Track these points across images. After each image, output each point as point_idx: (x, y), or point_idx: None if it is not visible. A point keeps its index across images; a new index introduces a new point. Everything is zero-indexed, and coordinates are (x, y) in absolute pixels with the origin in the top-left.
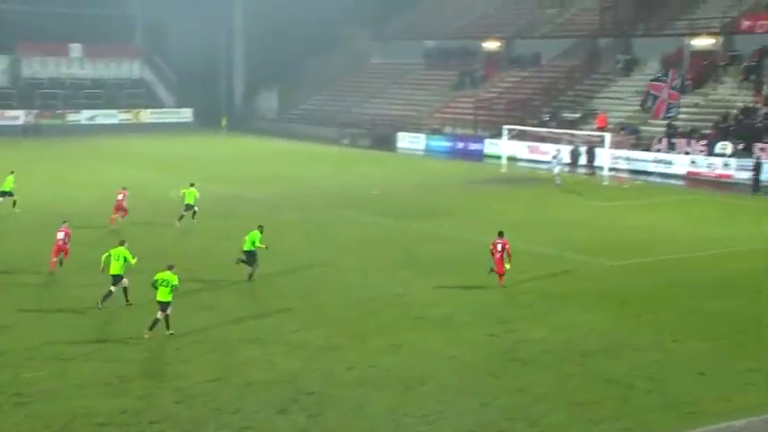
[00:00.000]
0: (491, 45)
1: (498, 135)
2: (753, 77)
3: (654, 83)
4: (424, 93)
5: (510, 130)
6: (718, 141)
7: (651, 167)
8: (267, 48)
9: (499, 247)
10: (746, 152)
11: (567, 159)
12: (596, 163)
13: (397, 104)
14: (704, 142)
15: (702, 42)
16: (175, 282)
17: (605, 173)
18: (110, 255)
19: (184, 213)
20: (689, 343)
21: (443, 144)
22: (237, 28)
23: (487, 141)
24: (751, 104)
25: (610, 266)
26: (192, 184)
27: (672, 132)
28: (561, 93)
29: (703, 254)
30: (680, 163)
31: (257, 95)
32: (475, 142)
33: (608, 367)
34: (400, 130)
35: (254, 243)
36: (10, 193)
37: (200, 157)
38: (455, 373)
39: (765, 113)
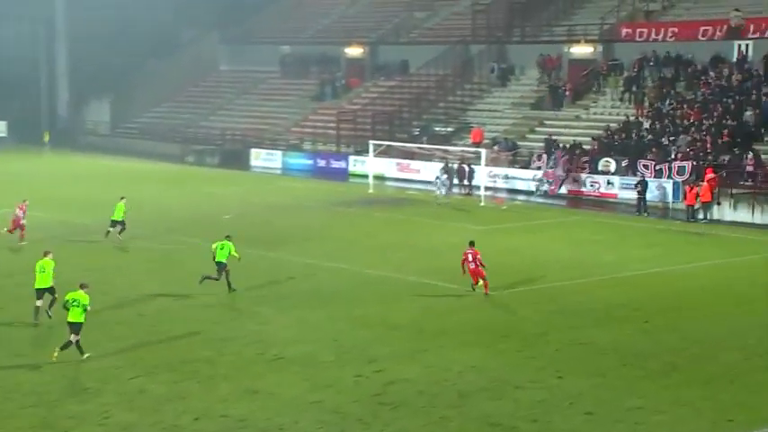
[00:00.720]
0: (353, 51)
1: (364, 151)
2: (634, 89)
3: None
4: (281, 104)
5: (377, 146)
6: (600, 158)
7: (532, 186)
8: (97, 52)
9: (470, 257)
10: (631, 169)
11: (445, 178)
12: (473, 182)
13: (249, 117)
14: (586, 159)
15: (581, 50)
16: (86, 302)
17: (482, 193)
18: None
19: (110, 229)
20: (574, 379)
21: (303, 162)
22: (60, 30)
23: (352, 159)
24: (633, 118)
25: (489, 296)
26: (121, 198)
27: (552, 148)
28: (432, 104)
29: (587, 280)
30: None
31: (86, 107)
32: (338, 160)
33: (489, 409)
34: (254, 147)
35: (229, 252)
36: (122, 222)
37: (16, 176)
38: (319, 421)
39: (648, 128)
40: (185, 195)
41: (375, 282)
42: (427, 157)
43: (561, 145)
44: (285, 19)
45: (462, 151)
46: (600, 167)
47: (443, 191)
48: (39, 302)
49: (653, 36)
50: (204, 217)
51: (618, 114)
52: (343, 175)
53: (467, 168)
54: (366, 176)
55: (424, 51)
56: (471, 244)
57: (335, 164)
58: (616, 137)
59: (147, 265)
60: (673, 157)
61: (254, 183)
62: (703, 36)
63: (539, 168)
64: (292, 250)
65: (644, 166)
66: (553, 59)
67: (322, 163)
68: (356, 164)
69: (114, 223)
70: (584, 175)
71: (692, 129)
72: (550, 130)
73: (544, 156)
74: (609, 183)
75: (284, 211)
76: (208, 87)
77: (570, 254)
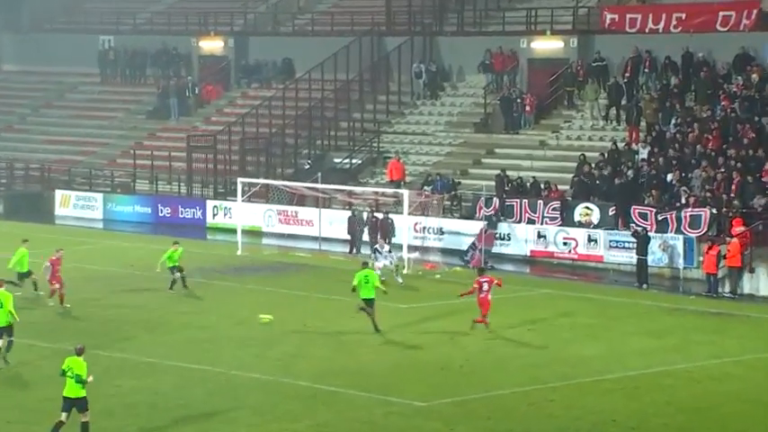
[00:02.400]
0: (210, 45)
1: (230, 194)
2: (623, 102)
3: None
4: (101, 123)
5: (248, 187)
6: (578, 203)
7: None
8: None
9: (486, 286)
10: (622, 220)
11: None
12: (392, 239)
13: (53, 143)
14: (555, 204)
15: (547, 45)
16: (81, 371)
17: (405, 254)
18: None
19: (174, 276)
20: None
21: (136, 210)
22: None
23: (211, 205)
24: (623, 144)
25: (418, 409)
26: (175, 242)
27: (505, 190)
28: (330, 124)
29: (560, 385)
30: (519, 237)
31: None
32: (190, 206)
33: None
34: (60, 188)
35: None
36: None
37: None
38: None
39: (645, 159)
40: None
41: (248, 390)
42: (324, 202)
43: (517, 184)
44: None
45: (376, 194)
46: (577, 217)
47: (389, 260)
48: None
49: (650, 25)
50: None
51: (601, 139)
52: (199, 229)
53: (382, 219)
54: (233, 231)
55: (316, 46)
56: (482, 271)
57: (186, 213)
58: (598, 172)
59: None
60: (683, 202)
61: (60, 242)
62: (723, 26)
63: (489, 219)
64: (122, 346)
65: (640, 214)
66: (506, 59)
67: (165, 211)
68: (218, 212)
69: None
70: (553, 229)
71: (710, 160)
72: (503, 162)
73: (495, 200)
74: (590, 240)
75: (109, 287)
76: None
77: (536, 345)
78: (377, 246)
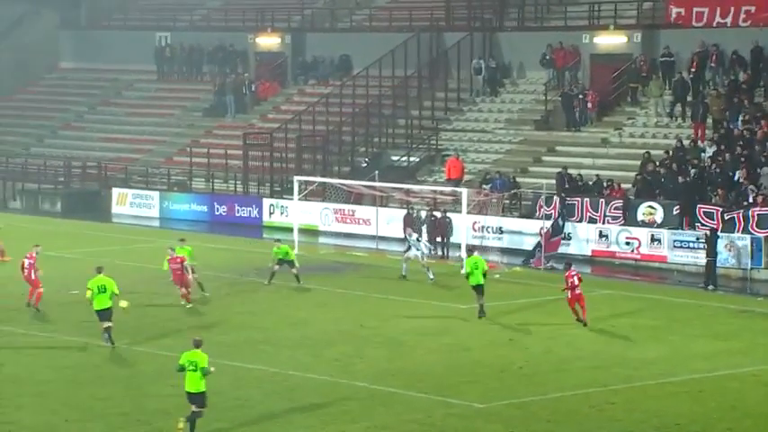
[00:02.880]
0: (267, 41)
1: (286, 193)
2: (689, 98)
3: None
4: (157, 121)
5: (305, 185)
6: (641, 202)
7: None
8: None
9: (576, 280)
10: (687, 219)
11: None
12: (450, 238)
13: (109, 141)
14: (618, 203)
15: (610, 41)
16: (204, 364)
17: (463, 254)
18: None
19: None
20: None
21: (192, 208)
22: None
23: (268, 204)
24: (689, 142)
25: (478, 411)
26: (277, 240)
27: (566, 188)
28: (387, 122)
29: (623, 387)
30: (580, 237)
31: None
32: (246, 205)
33: None
34: (116, 186)
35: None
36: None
37: None
38: None
39: (711, 157)
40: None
41: (305, 391)
42: (381, 200)
43: (579, 183)
44: None
45: (434, 192)
46: (640, 217)
47: (423, 252)
48: (105, 324)
49: (718, 19)
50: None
51: (666, 137)
52: (255, 228)
53: (440, 218)
54: (289, 230)
55: (374, 43)
56: (570, 265)
57: (242, 211)
58: (663, 170)
59: None
60: (751, 200)
61: (116, 241)
62: None
63: (548, 218)
64: (180, 344)
65: (706, 214)
66: (568, 54)
67: (221, 210)
68: (274, 211)
69: (286, 262)
70: (615, 228)
71: None
72: (565, 160)
73: (556, 199)
74: (654, 239)
75: (165, 287)
76: (43, 95)
77: (597, 347)
78: (406, 235)
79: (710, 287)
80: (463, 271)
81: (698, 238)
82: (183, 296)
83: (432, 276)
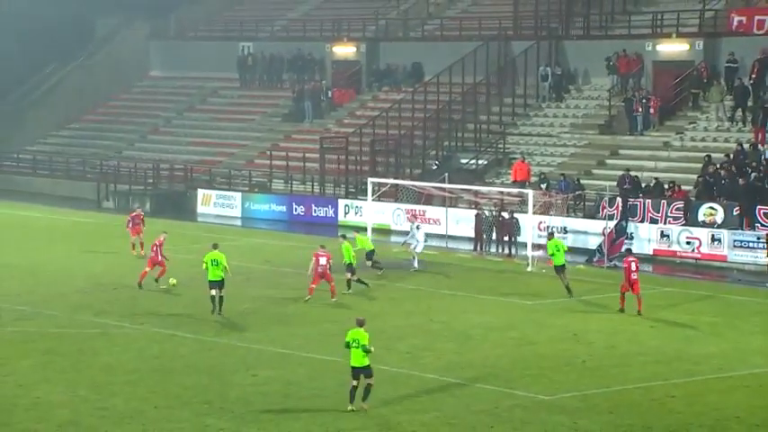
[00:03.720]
0: (343, 50)
1: (360, 194)
2: (750, 103)
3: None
4: (239, 126)
5: (378, 186)
6: (702, 204)
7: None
8: None
9: (633, 266)
10: (747, 220)
11: (422, 235)
12: (518, 237)
13: (195, 145)
14: (679, 204)
15: (672, 48)
16: (365, 341)
17: (529, 253)
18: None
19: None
20: None
21: (272, 208)
22: None
23: (343, 204)
24: (749, 146)
25: (542, 403)
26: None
27: (629, 190)
28: (457, 126)
29: (684, 381)
30: (642, 236)
31: None
32: (322, 205)
33: None
34: (201, 187)
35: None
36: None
37: None
38: None
39: None
40: (101, 258)
41: (377, 382)
42: (451, 201)
43: (643, 185)
44: (244, 4)
45: (501, 194)
46: (701, 217)
47: (417, 242)
48: (213, 292)
49: None
50: (130, 289)
51: (726, 140)
52: (331, 227)
53: (507, 218)
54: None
55: (445, 51)
56: (630, 251)
57: (318, 211)
58: (724, 173)
59: (40, 359)
60: None
61: (202, 239)
62: None
63: (611, 218)
64: (260, 337)
65: (765, 215)
66: (631, 61)
67: (299, 210)
68: (349, 211)
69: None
70: (676, 228)
71: None
72: (628, 162)
73: (618, 200)
74: (714, 239)
75: (245, 282)
76: (134, 102)
77: (659, 342)
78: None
79: None
80: (539, 254)
81: (758, 238)
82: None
83: (416, 266)
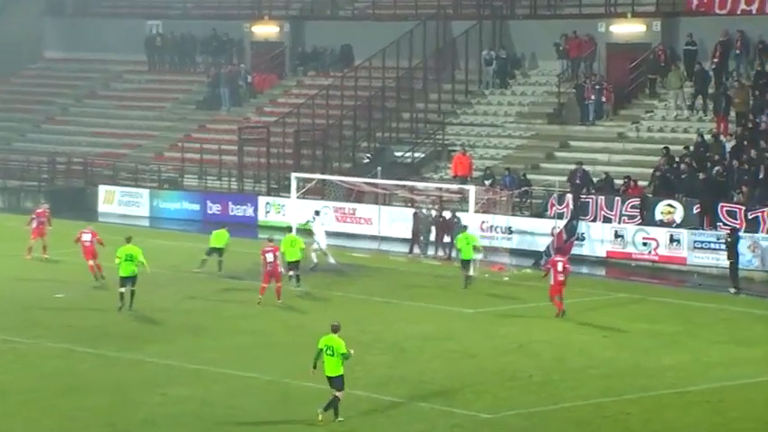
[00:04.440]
0: (264, 30)
1: (283, 191)
2: (711, 90)
3: None
4: (147, 114)
5: (303, 182)
6: (659, 201)
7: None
8: None
9: (560, 266)
10: (708, 219)
11: (322, 226)
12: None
13: (96, 136)
14: (635, 202)
15: (627, 29)
16: (342, 349)
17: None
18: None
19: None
20: None
21: (184, 207)
22: None
23: (264, 202)
24: (710, 137)
25: (485, 422)
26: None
27: (580, 185)
28: (391, 115)
29: (639, 396)
30: (594, 237)
31: None
32: (241, 203)
33: None
34: (103, 183)
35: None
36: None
37: None
38: None
39: (736, 151)
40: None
41: (302, 400)
42: (384, 199)
43: (595, 180)
44: None
45: (440, 190)
46: (658, 216)
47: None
48: (123, 289)
49: (742, 6)
50: (21, 299)
51: (686, 131)
52: (250, 227)
53: (447, 218)
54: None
55: (378, 32)
56: (559, 250)
57: (237, 210)
58: (684, 166)
59: None
60: None
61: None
62: None
63: (561, 217)
64: (169, 351)
65: (728, 213)
66: (582, 44)
67: (215, 208)
68: (270, 210)
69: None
70: (632, 228)
71: None
72: (579, 156)
73: (569, 197)
74: (673, 240)
75: (155, 289)
76: (26, 87)
77: (612, 354)
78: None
79: (732, 291)
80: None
81: (719, 239)
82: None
83: (332, 261)
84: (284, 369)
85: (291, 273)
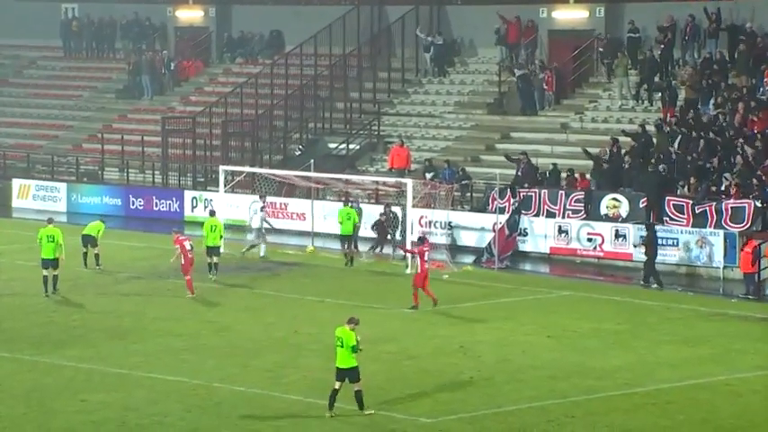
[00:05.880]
0: (188, 15)
1: (210, 183)
2: (657, 78)
3: None
4: (63, 103)
5: (231, 176)
6: (604, 195)
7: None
8: None
9: (426, 255)
10: (654, 213)
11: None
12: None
13: (9, 125)
14: (579, 196)
15: (569, 15)
16: (351, 341)
17: (408, 252)
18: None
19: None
20: None
21: (105, 202)
22: None
23: (189, 196)
24: (657, 127)
25: (424, 427)
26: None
27: (522, 179)
28: (324, 105)
29: (583, 399)
30: (537, 233)
31: None
32: (165, 197)
33: None
34: (17, 176)
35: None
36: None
37: None
38: None
39: (684, 142)
40: None
41: (232, 405)
42: (317, 193)
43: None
44: None
45: (376, 183)
46: (603, 210)
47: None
48: (45, 272)
49: None
50: None
51: (631, 121)
52: (175, 223)
53: (387, 214)
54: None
55: (309, 16)
56: (421, 240)
57: (161, 205)
58: (628, 157)
59: None
60: (722, 189)
61: (18, 238)
62: None
63: (502, 211)
64: (89, 354)
65: (675, 207)
66: (523, 30)
67: (138, 203)
68: (197, 204)
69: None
70: (576, 223)
71: (757, 144)
72: (521, 147)
73: (509, 192)
74: (618, 235)
75: (73, 289)
76: None
77: (556, 354)
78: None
79: (654, 285)
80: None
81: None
82: None
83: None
84: (212, 373)
85: (209, 260)
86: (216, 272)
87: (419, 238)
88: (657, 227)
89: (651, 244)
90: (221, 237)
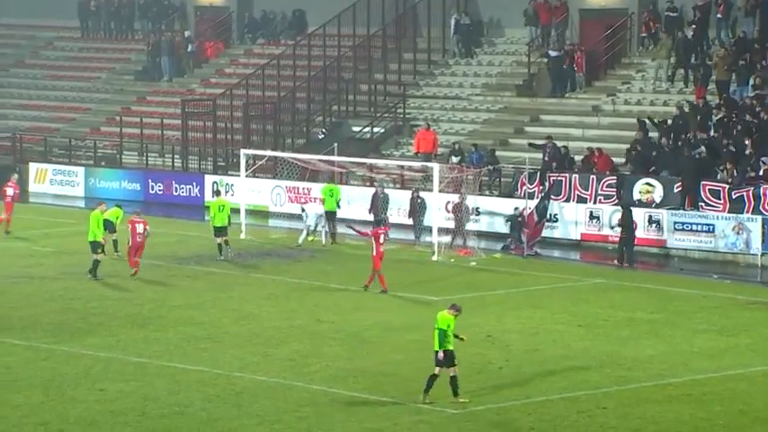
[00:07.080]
0: None
1: (232, 169)
2: (693, 60)
3: None
4: (81, 85)
5: (253, 159)
6: (637, 179)
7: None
8: None
9: (382, 238)
10: (690, 198)
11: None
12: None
13: (25, 109)
14: (611, 180)
15: None
16: (443, 326)
17: (435, 239)
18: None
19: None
20: None
21: (123, 186)
22: None
23: (210, 180)
24: (692, 109)
25: (452, 417)
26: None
27: (549, 163)
28: (348, 87)
29: (617, 389)
30: (568, 219)
31: None
32: (185, 182)
33: None
34: (34, 160)
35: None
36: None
37: None
38: None
39: (720, 125)
40: None
41: (253, 395)
42: (341, 177)
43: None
44: None
45: (402, 168)
46: (636, 195)
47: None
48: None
49: None
50: None
51: (665, 104)
52: (196, 209)
53: (411, 198)
54: (235, 211)
55: None
56: (379, 222)
57: (181, 189)
58: (663, 140)
59: None
60: (761, 174)
61: (35, 224)
62: None
63: (531, 196)
64: (109, 343)
65: (711, 192)
66: (554, 9)
67: (157, 188)
68: (218, 189)
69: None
70: (608, 209)
71: None
72: (550, 130)
73: (538, 176)
74: (652, 221)
75: (89, 277)
76: None
77: (587, 344)
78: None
79: (625, 265)
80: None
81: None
82: None
83: (300, 242)
84: (233, 362)
85: (219, 239)
86: (229, 251)
87: (377, 221)
88: (682, 211)
89: (628, 225)
90: (229, 217)
